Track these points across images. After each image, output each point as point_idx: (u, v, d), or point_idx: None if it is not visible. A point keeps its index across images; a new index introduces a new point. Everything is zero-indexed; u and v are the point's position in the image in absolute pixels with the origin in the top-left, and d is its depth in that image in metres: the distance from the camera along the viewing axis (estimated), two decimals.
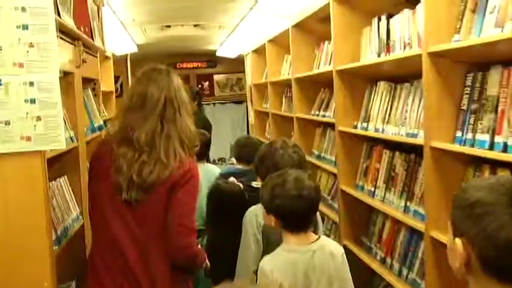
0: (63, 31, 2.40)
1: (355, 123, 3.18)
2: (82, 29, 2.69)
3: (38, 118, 1.92)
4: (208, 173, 4.16)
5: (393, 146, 2.79)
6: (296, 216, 2.00)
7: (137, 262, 1.98)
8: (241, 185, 3.03)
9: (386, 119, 2.77)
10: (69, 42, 2.53)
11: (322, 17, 3.78)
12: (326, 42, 3.89)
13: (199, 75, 9.20)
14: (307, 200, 1.99)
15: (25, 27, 1.88)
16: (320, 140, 4.16)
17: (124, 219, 1.99)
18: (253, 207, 2.41)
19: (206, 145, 4.19)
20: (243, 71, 8.60)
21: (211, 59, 8.85)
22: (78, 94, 2.65)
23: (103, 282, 2.01)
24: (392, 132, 2.68)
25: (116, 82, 7.82)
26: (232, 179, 3.12)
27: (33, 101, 1.92)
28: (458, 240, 1.05)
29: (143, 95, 2.02)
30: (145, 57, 8.30)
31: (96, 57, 3.37)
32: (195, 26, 5.98)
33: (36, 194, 1.93)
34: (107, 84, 6.21)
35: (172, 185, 1.94)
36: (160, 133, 1.97)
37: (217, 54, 8.08)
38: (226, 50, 7.59)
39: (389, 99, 2.80)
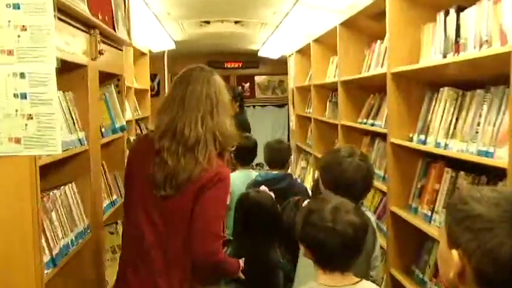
0: (75, 17, 2.07)
1: (410, 135, 2.74)
2: (101, 17, 2.36)
3: (30, 116, 1.59)
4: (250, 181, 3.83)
5: (458, 164, 2.34)
6: (327, 252, 1.68)
7: (158, 259, 1.97)
8: (272, 195, 2.71)
9: (451, 132, 2.32)
10: (82, 31, 2.20)
11: (375, 13, 3.35)
12: (378, 41, 3.46)
13: (240, 76, 8.86)
14: (342, 236, 1.63)
15: (16, 6, 1.55)
16: (367, 151, 3.71)
17: (152, 216, 1.98)
18: None
19: (251, 150, 3.90)
20: (286, 73, 8.22)
21: (253, 59, 8.49)
22: (92, 90, 2.32)
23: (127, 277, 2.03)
24: (457, 149, 2.24)
25: (153, 80, 7.57)
26: (263, 187, 2.78)
27: (24, 96, 1.58)
28: (454, 252, 1.02)
29: (184, 91, 2.03)
30: (183, 55, 8.04)
31: (120, 50, 3.05)
32: (236, 23, 5.63)
33: (23, 209, 1.59)
34: (142, 81, 5.95)
35: (201, 186, 1.92)
36: (200, 128, 1.96)
37: (259, 54, 7.71)
38: (268, 50, 7.21)
39: (454, 108, 2.35)
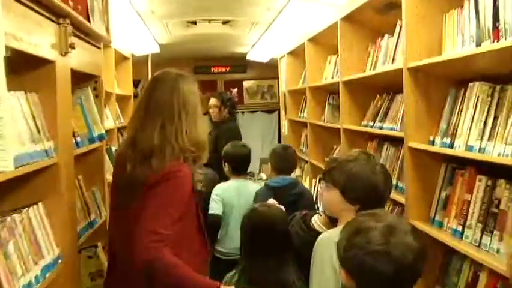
0: (41, 2, 1.71)
1: (431, 138, 2.40)
2: (72, 4, 1.99)
3: None
4: (246, 192, 3.52)
5: (495, 171, 2.00)
6: (376, 281, 1.36)
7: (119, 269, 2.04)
8: (283, 208, 2.48)
9: (487, 134, 1.98)
10: (50, 19, 1.83)
11: (381, 5, 3.02)
12: (386, 36, 3.12)
13: (227, 81, 8.49)
14: (397, 263, 1.28)
15: None
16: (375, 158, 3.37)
17: (118, 225, 2.03)
18: (329, 233, 1.97)
19: (246, 159, 3.81)
20: (275, 77, 7.88)
21: (241, 63, 8.14)
22: (63, 91, 1.95)
23: None
24: (497, 152, 1.90)
25: (136, 86, 7.19)
26: (272, 201, 2.46)
27: None
28: None
29: (148, 98, 2.04)
30: (168, 59, 7.63)
31: (98, 47, 2.67)
32: (224, 23, 5.28)
33: None
34: (124, 87, 5.57)
35: (148, 188, 1.88)
36: (157, 136, 1.95)
37: (248, 57, 7.37)
38: (257, 53, 6.87)
39: (490, 105, 2.01)
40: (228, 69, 8.38)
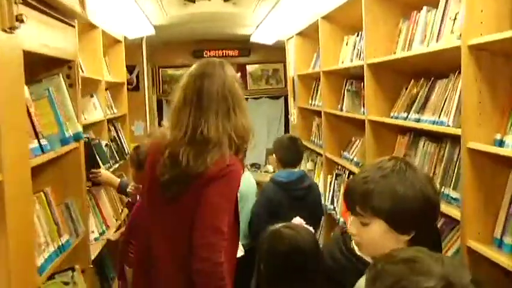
0: None
1: (498, 137, 1.87)
2: None
3: None
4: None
5: None
6: None
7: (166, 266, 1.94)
8: (311, 230, 2.09)
9: None
10: None
11: None
12: (425, 8, 2.57)
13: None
14: None
15: None
16: (406, 155, 2.84)
17: (162, 218, 1.96)
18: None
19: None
20: (281, 61, 7.31)
21: (244, 46, 7.56)
22: (9, 80, 1.41)
23: None
24: None
25: (131, 73, 6.64)
26: (298, 220, 1.97)
27: None
28: None
29: (200, 91, 1.96)
30: (165, 43, 7.10)
31: (71, 26, 2.12)
32: (226, 0, 4.71)
33: None
34: (117, 74, 5.03)
35: (206, 181, 1.85)
36: (218, 130, 1.91)
37: (252, 39, 6.79)
38: (262, 35, 6.29)
39: None
40: (230, 53, 7.80)
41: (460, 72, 2.17)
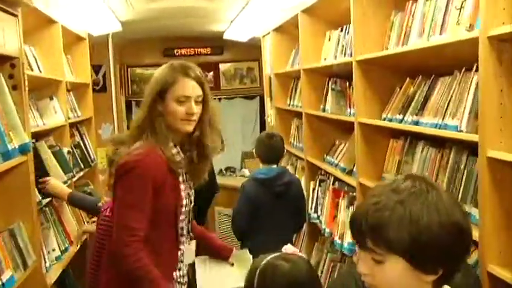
0: None
1: None
2: None
3: None
4: None
5: None
6: None
7: None
8: (304, 257, 1.77)
9: None
10: None
11: None
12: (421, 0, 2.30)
13: (202, 64, 7.46)
14: None
15: None
16: (400, 161, 2.57)
17: None
18: None
19: None
20: (256, 59, 7.02)
21: (217, 43, 7.22)
22: None
23: None
24: None
25: (97, 73, 6.26)
26: (291, 248, 1.66)
27: None
28: None
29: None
30: (133, 41, 6.72)
31: (14, 15, 1.77)
32: None
33: None
34: (81, 74, 4.64)
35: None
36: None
37: (225, 37, 6.46)
38: (236, 31, 5.97)
39: None
40: (201, 51, 7.45)
41: (469, 69, 1.92)
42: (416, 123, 2.32)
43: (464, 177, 2.01)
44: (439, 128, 2.10)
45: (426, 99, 2.29)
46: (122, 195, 1.88)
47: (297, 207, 3.48)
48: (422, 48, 2.15)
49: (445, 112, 2.09)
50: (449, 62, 2.12)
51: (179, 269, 2.06)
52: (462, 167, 2.04)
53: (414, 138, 2.48)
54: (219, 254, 2.27)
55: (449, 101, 2.07)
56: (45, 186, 2.88)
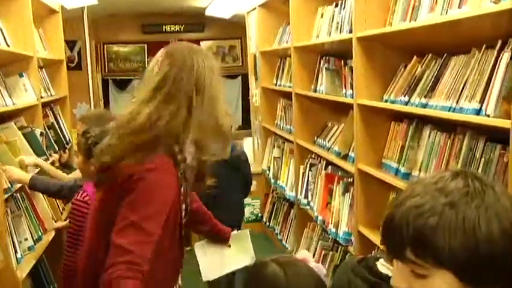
0: None
1: None
2: None
3: None
4: None
5: None
6: None
7: None
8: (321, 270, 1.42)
9: None
10: None
11: None
12: None
13: (182, 41, 7.26)
14: None
15: None
16: (403, 146, 2.39)
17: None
18: None
19: None
20: (239, 37, 6.79)
21: (198, 20, 6.94)
22: None
23: None
24: None
25: (71, 49, 5.95)
26: (305, 254, 1.45)
27: None
28: None
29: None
30: (110, 15, 6.39)
31: None
32: None
33: None
34: (54, 50, 4.36)
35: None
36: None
37: (207, 13, 6.19)
38: (218, 7, 5.71)
39: None
40: (182, 28, 7.17)
41: (490, 46, 1.73)
42: (424, 105, 2.14)
43: (480, 167, 1.84)
44: (453, 112, 1.92)
45: (437, 79, 2.11)
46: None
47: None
48: (435, 24, 1.95)
49: (460, 94, 1.90)
50: (463, 39, 1.94)
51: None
52: (478, 155, 1.87)
53: (420, 122, 2.30)
54: (218, 237, 2.10)
55: (465, 82, 1.89)
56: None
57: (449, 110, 1.95)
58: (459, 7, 1.84)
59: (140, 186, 1.41)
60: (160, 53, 1.62)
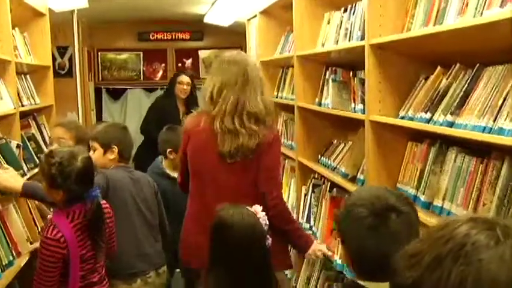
0: None
1: None
2: None
3: None
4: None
5: None
6: None
7: None
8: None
9: None
10: None
11: None
12: None
13: (180, 50, 7.00)
14: None
15: None
16: (429, 172, 2.06)
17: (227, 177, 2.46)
18: None
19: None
20: (239, 46, 6.49)
21: (197, 28, 6.67)
22: None
23: None
24: None
25: (62, 55, 5.65)
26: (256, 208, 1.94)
27: None
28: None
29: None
30: (103, 21, 6.09)
31: None
32: None
33: None
34: (42, 56, 4.06)
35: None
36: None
37: (206, 20, 5.92)
38: (218, 14, 5.44)
39: None
40: (180, 36, 6.90)
41: None
42: (451, 124, 1.82)
43: None
44: (488, 133, 1.60)
45: (467, 94, 1.79)
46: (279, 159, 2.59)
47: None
48: (467, 27, 1.63)
49: (498, 112, 1.59)
50: (501, 46, 1.62)
51: None
52: None
53: (444, 143, 1.98)
54: None
55: (505, 97, 1.57)
56: None
57: (483, 131, 1.63)
58: (501, 6, 1.53)
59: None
60: None
